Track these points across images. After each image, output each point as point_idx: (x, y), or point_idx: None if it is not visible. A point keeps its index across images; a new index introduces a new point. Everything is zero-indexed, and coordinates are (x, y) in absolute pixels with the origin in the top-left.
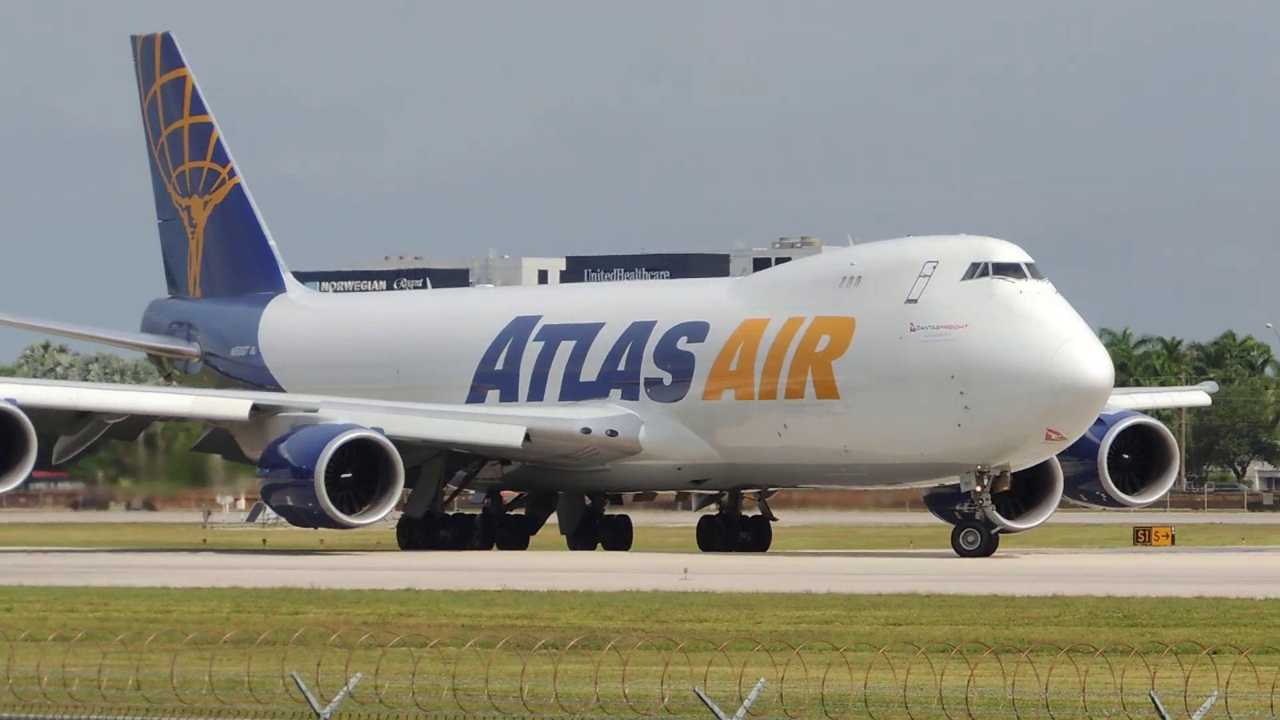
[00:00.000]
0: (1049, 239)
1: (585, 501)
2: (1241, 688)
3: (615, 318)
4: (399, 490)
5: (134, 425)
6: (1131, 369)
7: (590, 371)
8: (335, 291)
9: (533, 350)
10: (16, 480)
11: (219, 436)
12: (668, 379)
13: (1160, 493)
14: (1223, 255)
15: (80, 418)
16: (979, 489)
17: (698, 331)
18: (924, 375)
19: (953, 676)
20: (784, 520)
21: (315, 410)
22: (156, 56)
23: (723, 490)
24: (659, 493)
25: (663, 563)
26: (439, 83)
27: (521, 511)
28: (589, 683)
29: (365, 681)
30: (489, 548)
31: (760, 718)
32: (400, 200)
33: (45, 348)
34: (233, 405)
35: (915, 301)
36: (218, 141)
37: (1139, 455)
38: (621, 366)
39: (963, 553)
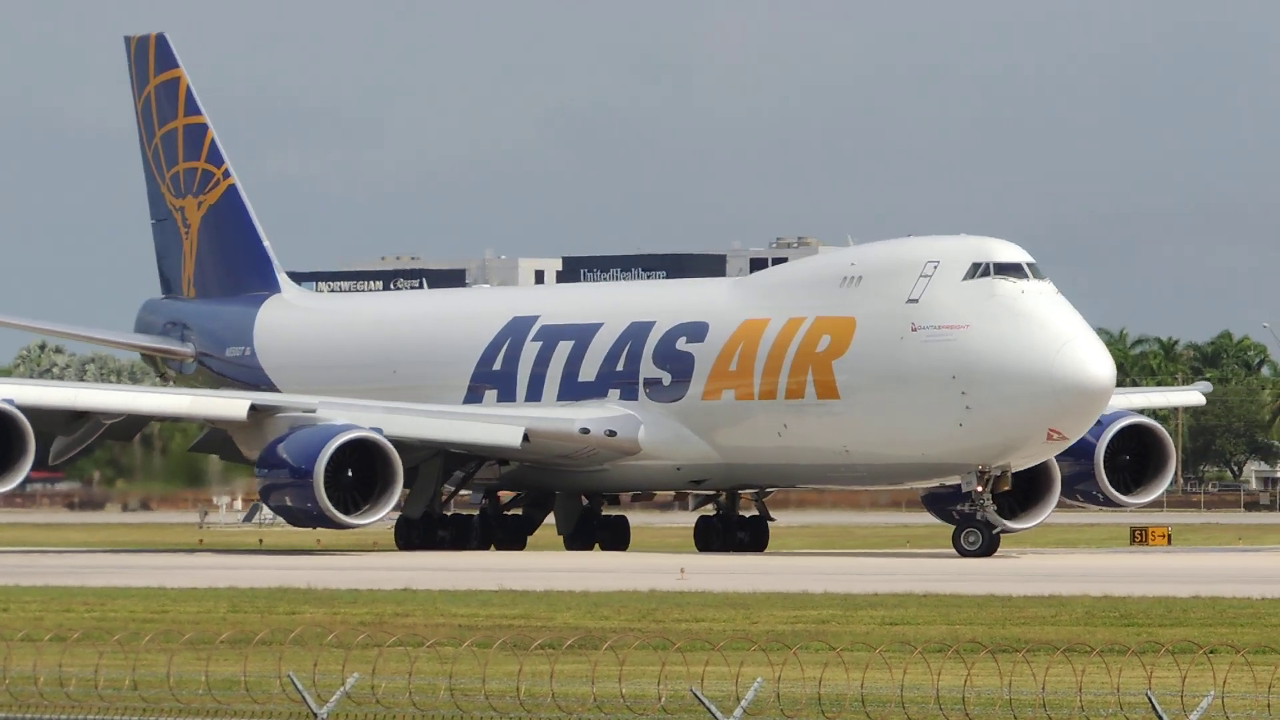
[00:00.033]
0: (1048, 239)
1: (582, 502)
2: (1239, 687)
3: (613, 318)
4: (398, 491)
5: (131, 425)
6: (1128, 369)
7: (589, 372)
8: (331, 291)
9: (530, 350)
10: (15, 480)
11: (216, 437)
12: (667, 379)
13: (1156, 493)
14: (1221, 255)
15: (77, 418)
16: (980, 489)
17: (697, 332)
18: (925, 375)
19: (949, 676)
20: (781, 520)
21: (314, 410)
22: (150, 57)
23: (720, 490)
24: (657, 493)
25: (660, 563)
26: (435, 83)
27: (519, 512)
28: (586, 683)
29: (362, 681)
30: (487, 548)
31: (757, 717)
32: (396, 200)
33: (42, 348)
34: (231, 405)
35: (916, 301)
36: (212, 142)
37: (1135, 455)
38: (620, 367)
39: (964, 553)
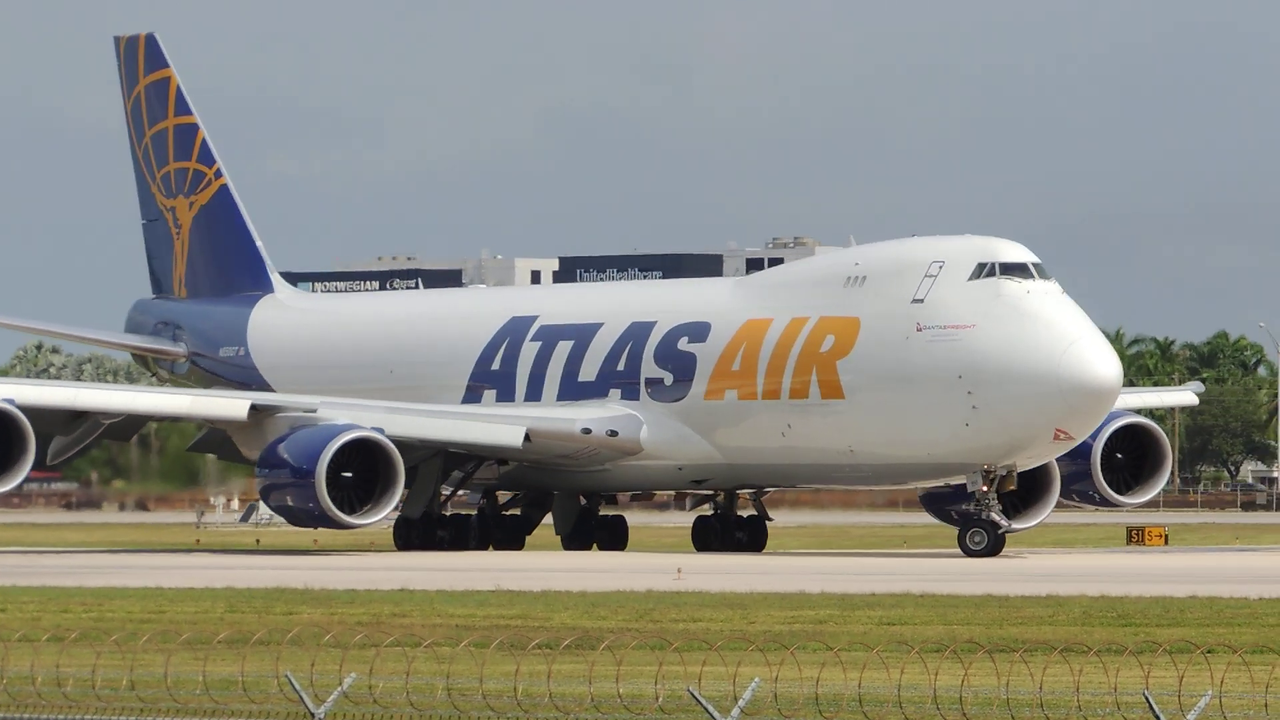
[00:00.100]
0: (1047, 239)
1: (581, 502)
2: (1236, 687)
3: (614, 318)
4: (399, 490)
5: (129, 425)
6: (1124, 369)
7: (589, 372)
8: (327, 292)
9: (530, 350)
10: (15, 480)
11: (215, 437)
12: (669, 379)
13: (1153, 492)
14: (1218, 255)
15: (76, 418)
16: (985, 489)
17: (699, 331)
18: (931, 375)
19: (947, 676)
20: (780, 520)
21: (314, 410)
22: (140, 57)
23: (720, 490)
24: (655, 493)
25: (657, 563)
26: (431, 83)
27: (517, 512)
28: (583, 683)
29: (359, 681)
30: (485, 548)
31: (754, 717)
32: (392, 201)
33: (38, 348)
34: (231, 405)
35: (921, 301)
36: (203, 142)
37: (1132, 455)
38: (621, 367)
39: (969, 553)
